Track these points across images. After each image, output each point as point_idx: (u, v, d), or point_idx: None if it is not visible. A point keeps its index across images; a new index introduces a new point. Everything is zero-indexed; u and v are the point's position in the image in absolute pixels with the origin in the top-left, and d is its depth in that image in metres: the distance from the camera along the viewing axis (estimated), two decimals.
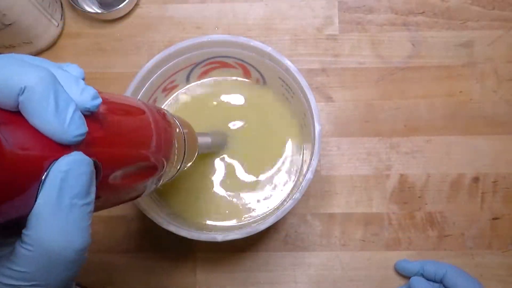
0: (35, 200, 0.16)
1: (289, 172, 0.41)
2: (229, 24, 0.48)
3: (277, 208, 0.39)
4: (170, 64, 0.38)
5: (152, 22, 0.49)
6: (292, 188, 0.40)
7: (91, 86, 0.18)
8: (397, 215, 0.44)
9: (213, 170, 0.41)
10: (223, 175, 0.41)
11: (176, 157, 0.28)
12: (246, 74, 0.42)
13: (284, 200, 0.39)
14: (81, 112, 0.17)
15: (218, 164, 0.41)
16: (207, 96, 0.43)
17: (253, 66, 0.40)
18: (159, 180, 0.26)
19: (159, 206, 0.37)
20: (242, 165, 0.41)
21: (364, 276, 0.43)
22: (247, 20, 0.48)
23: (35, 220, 0.16)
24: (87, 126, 0.17)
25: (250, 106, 0.43)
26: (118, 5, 0.46)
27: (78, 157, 0.17)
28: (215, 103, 0.43)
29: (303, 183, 0.33)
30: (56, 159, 0.16)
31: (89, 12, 0.47)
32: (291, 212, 0.41)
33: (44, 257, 0.16)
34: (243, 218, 0.40)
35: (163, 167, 0.26)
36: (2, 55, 0.16)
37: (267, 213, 0.40)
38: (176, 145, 0.28)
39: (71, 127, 0.16)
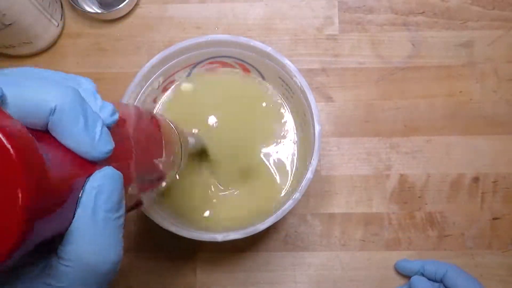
0: (72, 217, 0.16)
1: (289, 172, 0.41)
2: (229, 24, 0.48)
3: (277, 208, 0.39)
4: (170, 64, 0.38)
5: (152, 22, 0.49)
6: (292, 188, 0.40)
7: None
8: (397, 215, 0.44)
9: (209, 168, 0.41)
10: (219, 172, 0.41)
11: (176, 160, 0.28)
12: (246, 74, 0.42)
13: (284, 200, 0.39)
14: None
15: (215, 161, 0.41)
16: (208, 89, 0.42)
17: (253, 66, 0.40)
18: (161, 185, 0.27)
19: (159, 206, 0.37)
20: (239, 163, 0.41)
21: (364, 276, 0.43)
22: (247, 20, 0.48)
23: (73, 236, 0.16)
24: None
25: (249, 105, 0.42)
26: (118, 5, 0.46)
27: (110, 171, 0.17)
28: (213, 100, 0.42)
29: (303, 183, 0.33)
30: (88, 176, 0.16)
31: (89, 12, 0.47)
32: (291, 212, 0.41)
33: (82, 271, 0.16)
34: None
35: (168, 172, 0.26)
36: (19, 69, 0.17)
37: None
38: (176, 149, 0.28)
39: (100, 143, 0.17)
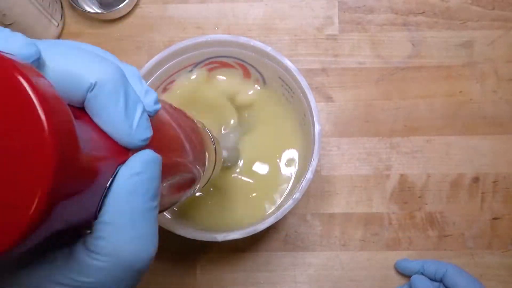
0: (99, 206, 0.14)
1: (288, 171, 0.41)
2: (229, 24, 0.48)
3: (277, 208, 0.39)
4: (170, 63, 0.38)
5: (152, 22, 0.49)
6: (292, 188, 0.40)
7: None
8: (397, 215, 0.44)
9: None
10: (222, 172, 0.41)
11: (208, 167, 0.27)
12: (246, 74, 0.42)
13: (284, 200, 0.39)
14: None
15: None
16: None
17: (253, 66, 0.40)
18: (193, 190, 0.25)
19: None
20: (242, 164, 0.41)
21: (364, 276, 0.43)
22: (247, 20, 0.48)
23: (109, 229, 0.14)
24: None
25: (250, 106, 0.43)
26: (118, 5, 0.46)
27: (151, 155, 0.15)
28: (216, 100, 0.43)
29: (303, 183, 0.33)
30: (120, 163, 0.15)
31: (89, 12, 0.47)
32: (291, 212, 0.41)
33: (116, 267, 0.14)
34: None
35: (200, 177, 0.25)
36: (67, 42, 0.15)
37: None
38: (207, 155, 0.27)
39: (138, 130, 0.15)
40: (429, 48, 0.47)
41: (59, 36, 0.48)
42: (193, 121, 0.26)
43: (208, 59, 0.40)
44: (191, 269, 0.43)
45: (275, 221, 0.33)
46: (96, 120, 0.14)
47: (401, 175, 0.44)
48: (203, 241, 0.34)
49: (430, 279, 0.40)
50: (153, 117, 0.17)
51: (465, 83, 0.46)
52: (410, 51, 0.47)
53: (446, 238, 0.43)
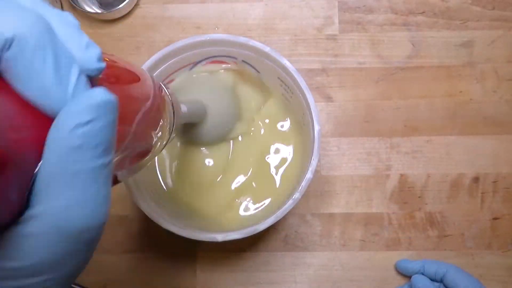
0: (34, 174, 0.11)
1: (288, 171, 0.41)
2: (229, 24, 0.48)
3: (277, 208, 0.39)
4: (169, 62, 0.38)
5: (152, 22, 0.49)
6: (291, 188, 0.40)
7: None
8: (397, 215, 0.44)
9: (213, 164, 0.41)
10: (221, 171, 0.41)
11: (165, 131, 0.25)
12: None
13: (284, 200, 0.39)
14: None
15: (217, 158, 0.41)
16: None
17: (252, 66, 0.40)
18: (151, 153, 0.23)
19: (160, 207, 0.37)
20: (240, 163, 0.41)
21: (364, 276, 0.43)
22: (247, 20, 0.48)
23: (43, 193, 0.11)
24: None
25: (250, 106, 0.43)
26: (118, 5, 0.46)
27: (106, 97, 0.12)
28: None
29: (303, 183, 0.33)
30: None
31: (89, 12, 0.47)
32: (291, 212, 0.40)
33: (58, 241, 0.12)
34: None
35: (156, 145, 0.23)
36: None
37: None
38: (168, 117, 0.24)
39: (76, 96, 0.12)
40: (429, 48, 0.47)
41: None
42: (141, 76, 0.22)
43: (207, 58, 0.40)
44: (191, 269, 0.43)
45: (275, 221, 0.33)
46: (16, 86, 0.11)
47: (401, 175, 0.44)
48: (203, 241, 0.34)
49: (430, 279, 0.40)
50: (97, 79, 0.14)
51: (465, 83, 0.46)
52: (410, 51, 0.47)
53: (446, 238, 0.43)
